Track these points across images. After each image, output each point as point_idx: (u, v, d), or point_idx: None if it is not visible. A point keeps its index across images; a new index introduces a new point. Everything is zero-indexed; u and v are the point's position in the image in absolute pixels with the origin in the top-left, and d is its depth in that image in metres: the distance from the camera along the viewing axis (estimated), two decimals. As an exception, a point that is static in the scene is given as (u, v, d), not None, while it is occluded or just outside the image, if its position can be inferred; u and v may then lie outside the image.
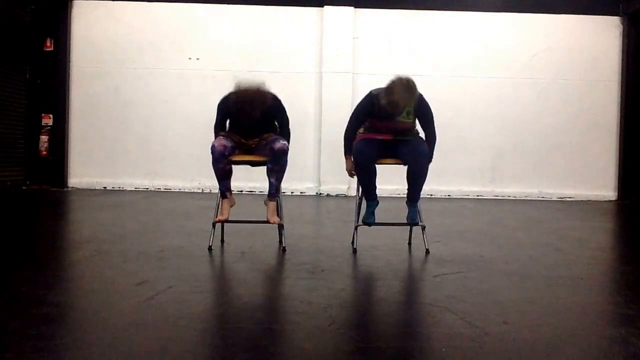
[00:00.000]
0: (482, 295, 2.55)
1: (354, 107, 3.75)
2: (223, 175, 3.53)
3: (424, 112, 3.56)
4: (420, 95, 3.49)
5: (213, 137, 3.73)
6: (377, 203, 3.60)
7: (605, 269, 3.42)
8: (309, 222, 5.29)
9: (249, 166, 3.79)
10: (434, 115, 3.60)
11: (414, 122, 3.61)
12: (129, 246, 3.57)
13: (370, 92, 3.57)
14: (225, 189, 3.57)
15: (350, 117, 3.70)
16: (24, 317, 2.08)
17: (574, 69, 8.35)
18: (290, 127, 3.74)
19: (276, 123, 3.74)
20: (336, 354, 1.82)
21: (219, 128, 3.69)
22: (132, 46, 8.25)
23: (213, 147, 3.47)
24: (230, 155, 3.53)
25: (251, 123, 3.52)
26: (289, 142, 3.67)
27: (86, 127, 8.29)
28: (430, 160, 3.57)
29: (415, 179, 3.50)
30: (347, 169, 3.72)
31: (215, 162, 3.47)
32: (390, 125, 3.54)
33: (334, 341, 1.93)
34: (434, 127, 3.62)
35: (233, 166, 3.63)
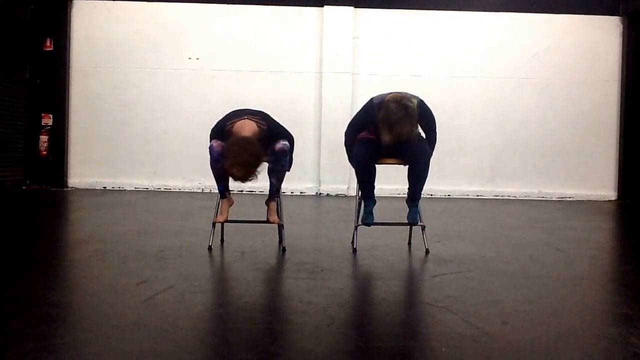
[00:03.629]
0: (482, 295, 2.55)
1: (354, 111, 3.70)
2: (221, 175, 3.53)
3: (425, 118, 3.52)
4: (420, 101, 3.45)
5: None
6: (375, 202, 3.60)
7: (605, 269, 3.42)
8: (309, 222, 5.29)
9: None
10: (435, 118, 3.58)
11: (417, 129, 3.57)
12: (129, 246, 3.57)
13: (371, 99, 3.53)
14: (224, 189, 3.57)
15: (350, 125, 3.66)
16: (24, 317, 2.08)
17: (574, 69, 8.36)
18: (292, 136, 3.65)
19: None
20: (336, 354, 1.82)
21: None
22: (132, 46, 8.26)
23: (211, 147, 3.46)
24: None
25: None
26: (292, 145, 3.63)
27: (86, 127, 8.29)
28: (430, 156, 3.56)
29: (417, 179, 3.50)
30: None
31: (214, 163, 3.47)
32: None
33: (333, 341, 1.93)
34: (435, 131, 3.61)
35: None
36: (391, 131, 3.21)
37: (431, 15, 8.35)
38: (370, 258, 3.38)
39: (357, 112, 3.67)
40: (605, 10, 8.33)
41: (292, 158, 3.64)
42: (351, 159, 3.65)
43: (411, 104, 3.27)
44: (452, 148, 8.07)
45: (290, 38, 8.22)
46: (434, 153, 3.60)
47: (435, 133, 3.62)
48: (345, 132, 3.68)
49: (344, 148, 3.71)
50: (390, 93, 3.45)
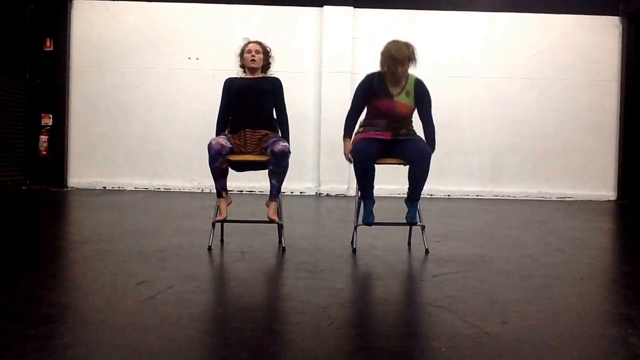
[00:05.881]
0: (482, 295, 2.55)
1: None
2: (219, 173, 3.55)
3: (423, 93, 3.63)
4: (419, 79, 3.65)
5: (215, 127, 3.81)
6: (374, 202, 3.60)
7: (605, 269, 3.42)
8: (308, 222, 5.29)
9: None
10: (431, 100, 3.67)
11: (413, 107, 3.61)
12: (129, 246, 3.57)
13: (367, 74, 3.65)
14: (221, 188, 3.59)
15: (352, 100, 3.74)
16: (24, 317, 2.08)
17: (574, 69, 8.35)
18: (288, 119, 3.83)
19: (274, 116, 3.83)
20: (336, 354, 1.82)
21: (223, 113, 3.79)
22: (132, 46, 8.26)
23: (210, 145, 3.49)
24: (228, 155, 3.53)
25: (253, 101, 3.69)
26: (288, 137, 3.76)
27: (86, 127, 8.29)
28: (433, 149, 3.61)
29: (418, 178, 3.50)
30: (345, 153, 3.70)
31: (212, 161, 3.49)
32: (389, 105, 3.55)
33: (333, 341, 1.93)
34: (431, 113, 3.68)
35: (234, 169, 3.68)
36: (390, 51, 3.51)
37: (431, 15, 8.35)
38: (370, 258, 3.38)
39: (357, 87, 3.72)
40: (604, 10, 8.32)
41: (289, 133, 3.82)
42: (346, 135, 3.70)
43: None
44: (452, 148, 8.06)
45: (290, 38, 8.21)
46: (434, 153, 3.62)
47: (432, 116, 3.67)
48: (349, 110, 3.74)
49: (344, 125, 3.75)
50: None
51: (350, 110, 3.73)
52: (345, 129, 3.72)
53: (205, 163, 3.66)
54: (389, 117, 3.56)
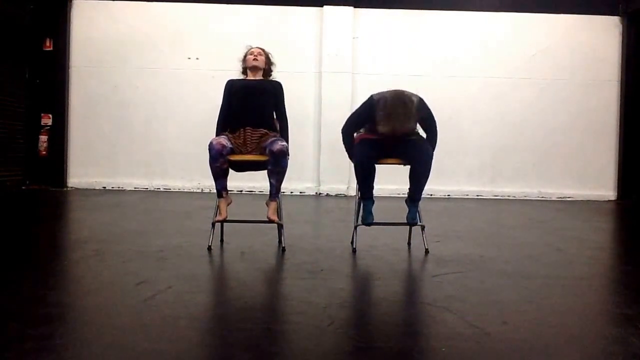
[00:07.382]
0: (482, 295, 2.55)
1: (353, 109, 3.75)
2: (219, 173, 3.55)
3: (425, 116, 3.56)
4: (420, 100, 3.47)
5: (215, 129, 3.83)
6: (373, 202, 3.60)
7: (605, 269, 3.42)
8: (308, 222, 5.29)
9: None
10: (435, 118, 3.60)
11: (415, 127, 3.59)
12: (128, 246, 3.57)
13: (371, 96, 3.54)
14: (221, 188, 3.59)
15: (348, 121, 3.69)
16: (24, 317, 2.08)
17: (574, 69, 8.36)
18: (288, 122, 3.88)
19: (275, 117, 3.85)
20: (336, 354, 1.82)
21: (224, 114, 3.82)
22: (132, 46, 8.25)
23: (211, 145, 3.49)
24: (228, 155, 3.54)
25: (254, 101, 3.73)
26: (288, 140, 3.78)
27: (86, 127, 8.29)
28: (433, 148, 3.57)
29: (418, 179, 3.49)
30: None
31: (213, 161, 3.50)
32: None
33: (333, 341, 1.92)
34: (435, 132, 3.62)
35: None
36: (388, 123, 3.31)
37: (431, 15, 8.35)
38: (369, 258, 3.38)
39: (357, 109, 3.68)
40: (605, 10, 8.33)
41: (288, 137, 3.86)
42: (351, 156, 3.66)
43: (410, 101, 3.35)
44: (452, 148, 8.06)
45: (290, 38, 8.21)
46: (434, 153, 3.60)
47: (436, 134, 3.62)
48: (342, 129, 3.70)
49: (343, 145, 3.72)
50: (391, 90, 3.46)
51: (346, 132, 3.67)
52: (348, 152, 3.69)
53: (205, 163, 3.66)
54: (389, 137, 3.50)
